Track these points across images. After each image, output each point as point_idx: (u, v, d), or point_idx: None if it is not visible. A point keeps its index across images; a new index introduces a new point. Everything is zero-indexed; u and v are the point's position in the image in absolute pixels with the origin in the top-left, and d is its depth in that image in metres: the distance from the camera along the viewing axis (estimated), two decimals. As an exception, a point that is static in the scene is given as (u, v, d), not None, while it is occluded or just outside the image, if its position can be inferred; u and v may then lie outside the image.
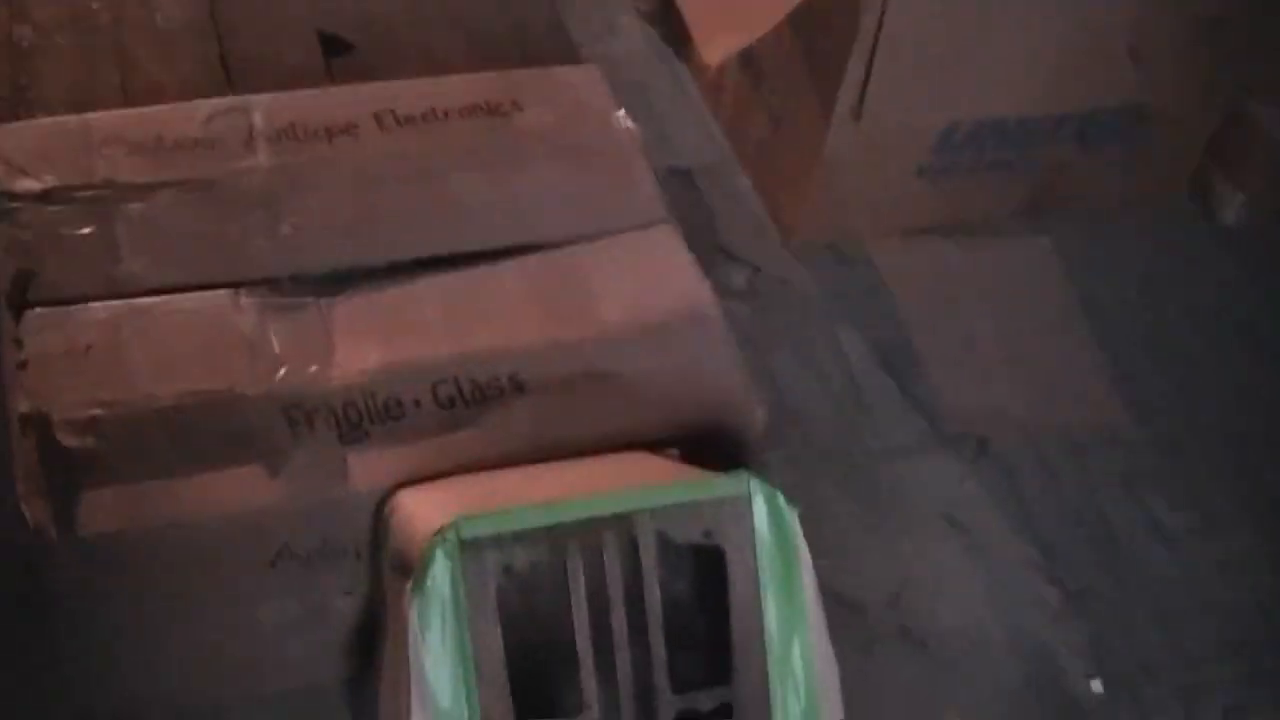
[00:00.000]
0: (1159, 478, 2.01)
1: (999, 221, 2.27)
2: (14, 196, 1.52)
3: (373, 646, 1.42)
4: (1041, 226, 2.28)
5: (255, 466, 1.37)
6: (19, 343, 1.41)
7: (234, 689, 1.51)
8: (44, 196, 1.53)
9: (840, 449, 1.96)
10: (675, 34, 2.35)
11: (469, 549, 1.20)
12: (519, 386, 1.45)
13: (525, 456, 1.42)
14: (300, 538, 1.38)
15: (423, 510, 1.31)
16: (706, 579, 1.27)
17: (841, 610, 1.34)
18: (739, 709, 1.27)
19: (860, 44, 1.93)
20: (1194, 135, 2.30)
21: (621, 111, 1.71)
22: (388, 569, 1.34)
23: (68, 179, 1.54)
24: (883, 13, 1.92)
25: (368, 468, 1.38)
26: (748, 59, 2.15)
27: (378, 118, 1.66)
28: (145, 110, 1.65)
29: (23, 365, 1.39)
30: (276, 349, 1.44)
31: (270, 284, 1.50)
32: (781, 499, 1.27)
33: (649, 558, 1.24)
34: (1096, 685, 1.79)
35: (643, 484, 1.31)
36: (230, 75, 1.79)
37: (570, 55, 1.87)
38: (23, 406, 1.36)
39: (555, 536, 1.23)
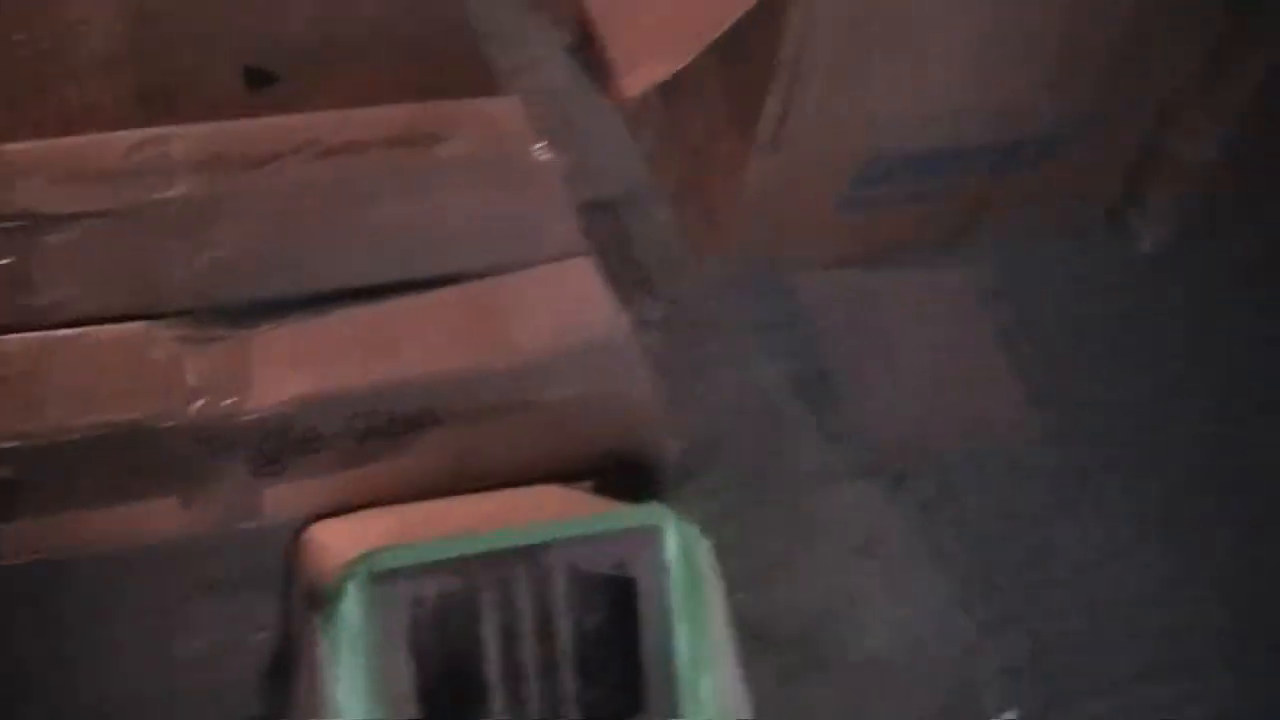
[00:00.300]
0: (1076, 506, 2.03)
1: (919, 252, 2.29)
2: (-69, 228, 1.52)
3: (286, 683, 1.42)
4: (961, 257, 2.30)
5: (170, 499, 1.37)
6: (-66, 374, 1.41)
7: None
8: (-40, 227, 1.52)
9: (758, 480, 1.97)
10: (597, 66, 2.35)
11: (379, 581, 1.21)
12: (436, 418, 1.46)
13: (443, 488, 1.42)
14: (215, 571, 1.38)
15: (335, 543, 1.31)
16: (618, 611, 1.28)
17: (758, 642, 1.34)
18: (649, 741, 1.28)
19: (780, 75, 1.94)
20: (1112, 164, 2.32)
21: (542, 143, 1.72)
22: (300, 603, 1.35)
23: (-15, 209, 1.54)
24: (803, 44, 1.92)
25: (283, 500, 1.39)
26: (669, 90, 2.15)
27: (299, 149, 1.66)
28: (65, 141, 1.64)
29: (-62, 396, 1.39)
30: (191, 382, 1.43)
31: (188, 315, 1.49)
32: (694, 530, 1.28)
33: (560, 589, 1.25)
34: (1010, 716, 1.81)
35: (554, 516, 1.32)
36: (152, 108, 1.79)
37: (492, 88, 1.88)
38: (-63, 438, 1.36)
39: (466, 569, 1.23)
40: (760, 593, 1.79)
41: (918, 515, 1.98)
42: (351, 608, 1.20)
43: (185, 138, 1.66)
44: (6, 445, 1.37)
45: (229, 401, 1.43)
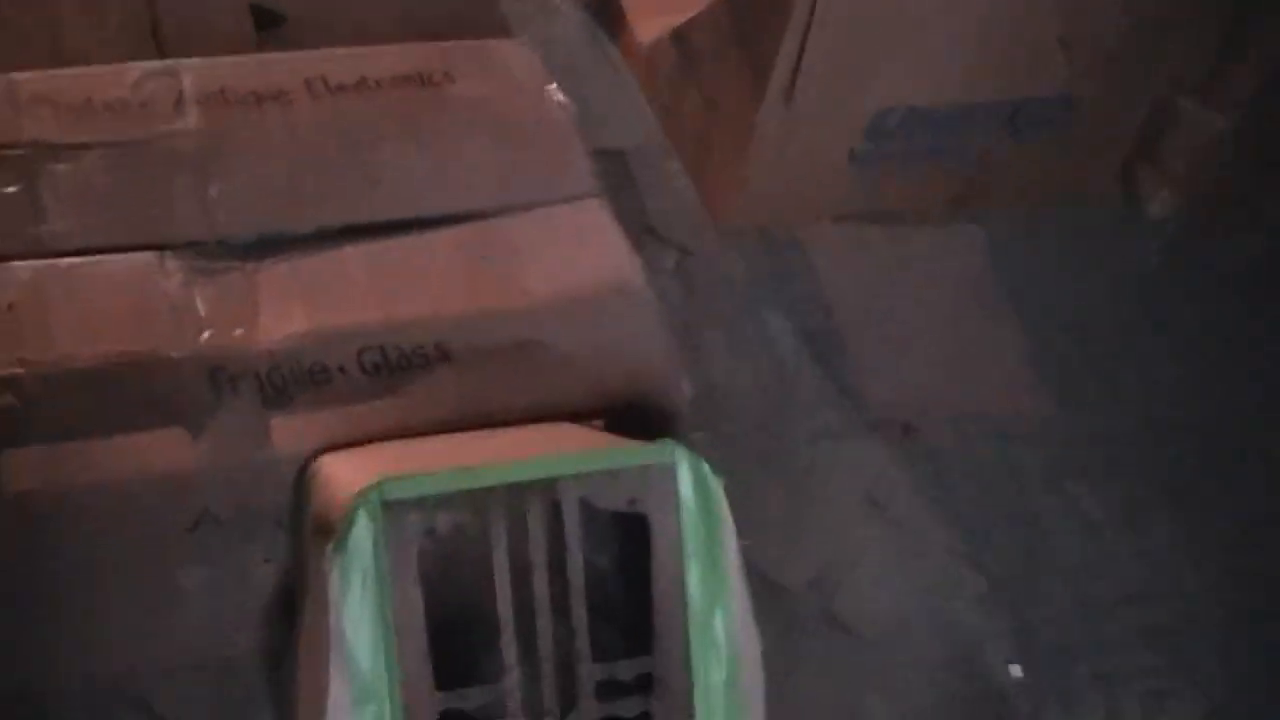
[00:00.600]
0: (1083, 466, 2.03)
1: (929, 211, 2.28)
2: (-63, 154, 1.50)
3: (291, 617, 1.41)
4: (971, 216, 2.29)
5: (177, 429, 1.36)
6: (-61, 299, 1.39)
7: (150, 658, 1.49)
8: (-33, 155, 1.51)
9: (765, 431, 1.96)
10: (609, 15, 2.34)
11: (391, 510, 1.19)
12: (445, 355, 1.44)
13: (450, 425, 1.41)
14: (221, 502, 1.36)
15: (345, 474, 1.30)
16: (630, 547, 1.27)
17: (764, 591, 1.33)
18: (659, 679, 1.26)
19: (793, 26, 1.93)
20: (1122, 127, 2.31)
21: (554, 85, 1.71)
22: (309, 534, 1.33)
23: (-8, 137, 1.53)
24: (816, -5, 1.92)
25: (291, 432, 1.37)
26: (681, 40, 2.15)
27: (309, 84, 1.65)
28: (74, 71, 1.63)
29: (-57, 322, 1.38)
30: (201, 312, 1.42)
31: (197, 247, 1.48)
32: (707, 468, 1.27)
33: (572, 524, 1.24)
34: (1016, 670, 1.80)
35: (567, 451, 1.31)
36: (160, 42, 1.78)
37: (504, 31, 1.86)
38: (-59, 363, 1.35)
39: (479, 500, 1.22)
40: (766, 542, 1.78)
41: (925, 470, 1.97)
42: (362, 536, 1.19)
43: (193, 70, 1.64)
44: (12, 372, 1.35)
45: (238, 332, 1.42)
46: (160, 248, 1.48)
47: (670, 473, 1.26)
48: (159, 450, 1.35)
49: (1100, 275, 2.28)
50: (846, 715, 1.74)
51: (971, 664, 1.80)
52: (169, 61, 1.66)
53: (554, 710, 1.25)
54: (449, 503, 1.22)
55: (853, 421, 2.01)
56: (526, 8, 2.30)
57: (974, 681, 1.79)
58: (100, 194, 1.51)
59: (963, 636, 1.82)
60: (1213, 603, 1.94)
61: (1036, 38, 2.07)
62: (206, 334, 1.41)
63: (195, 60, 1.66)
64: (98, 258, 1.46)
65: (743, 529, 1.30)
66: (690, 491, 1.26)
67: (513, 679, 1.24)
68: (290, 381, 1.40)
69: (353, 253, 1.52)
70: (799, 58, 1.96)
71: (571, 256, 1.56)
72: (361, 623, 1.20)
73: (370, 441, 1.38)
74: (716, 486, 1.28)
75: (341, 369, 1.42)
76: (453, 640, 1.22)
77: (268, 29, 1.84)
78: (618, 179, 2.15)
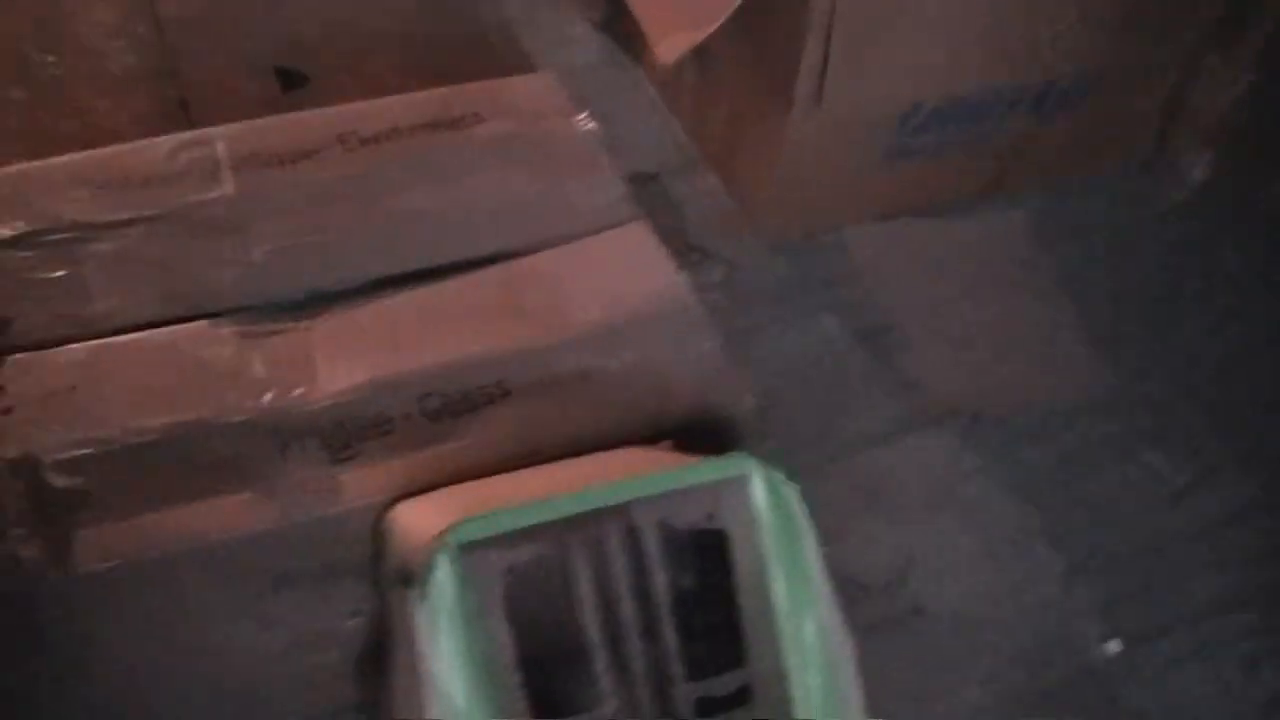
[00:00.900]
0: (1154, 437, 2.01)
1: (968, 199, 2.27)
2: (-18, 246, 1.51)
3: (381, 668, 1.41)
4: (1011, 200, 2.29)
5: (247, 493, 1.36)
6: (1, 390, 1.40)
7: (239, 720, 1.49)
8: (12, 243, 1.52)
9: (829, 434, 1.96)
10: (628, 38, 2.34)
11: (470, 551, 1.19)
12: (505, 392, 1.44)
13: (516, 461, 1.41)
14: (299, 561, 1.37)
15: (420, 520, 1.30)
16: (712, 563, 1.26)
17: (848, 591, 1.32)
18: (757, 690, 1.26)
19: (815, 29, 1.92)
20: (1151, 95, 2.30)
21: (584, 114, 1.71)
22: (390, 583, 1.33)
23: (35, 224, 1.53)
24: (834, -3, 1.91)
25: (360, 484, 1.37)
26: (703, 55, 2.14)
27: (341, 139, 1.66)
28: (107, 150, 1.64)
29: (7, 411, 1.38)
30: (260, 374, 1.43)
31: (247, 311, 1.49)
32: (780, 476, 1.26)
33: (652, 545, 1.23)
34: (1114, 646, 1.79)
35: (639, 473, 1.30)
36: (189, 114, 1.79)
37: (523, 68, 1.87)
38: (10, 452, 1.35)
39: (556, 532, 1.21)
40: (844, 544, 1.77)
41: (995, 457, 1.96)
42: (444, 580, 1.19)
43: (225, 136, 1.65)
44: (77, 454, 1.36)
45: (298, 391, 1.42)
46: (211, 315, 1.48)
47: (744, 485, 1.25)
48: (230, 515, 1.35)
49: (1145, 245, 2.27)
50: (944, 705, 1.73)
51: (1064, 643, 1.79)
52: (200, 131, 1.66)
53: (656, 732, 1.25)
54: (527, 537, 1.21)
55: (918, 415, 2.00)
56: (547, 39, 2.31)
57: (1071, 659, 1.77)
58: (146, 268, 1.52)
59: (1051, 616, 1.81)
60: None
61: (1057, 16, 2.06)
62: (268, 396, 1.41)
63: (226, 126, 1.67)
64: (150, 332, 1.47)
65: (820, 533, 1.30)
66: (765, 501, 1.26)
67: (611, 706, 1.23)
68: (354, 434, 1.40)
69: (402, 300, 1.52)
70: (824, 62, 1.95)
71: (619, 281, 1.56)
72: (453, 665, 1.19)
73: (439, 485, 1.38)
74: (791, 494, 1.27)
75: (404, 416, 1.42)
76: (545, 674, 1.22)
77: (293, 89, 1.85)
78: (655, 200, 2.15)
